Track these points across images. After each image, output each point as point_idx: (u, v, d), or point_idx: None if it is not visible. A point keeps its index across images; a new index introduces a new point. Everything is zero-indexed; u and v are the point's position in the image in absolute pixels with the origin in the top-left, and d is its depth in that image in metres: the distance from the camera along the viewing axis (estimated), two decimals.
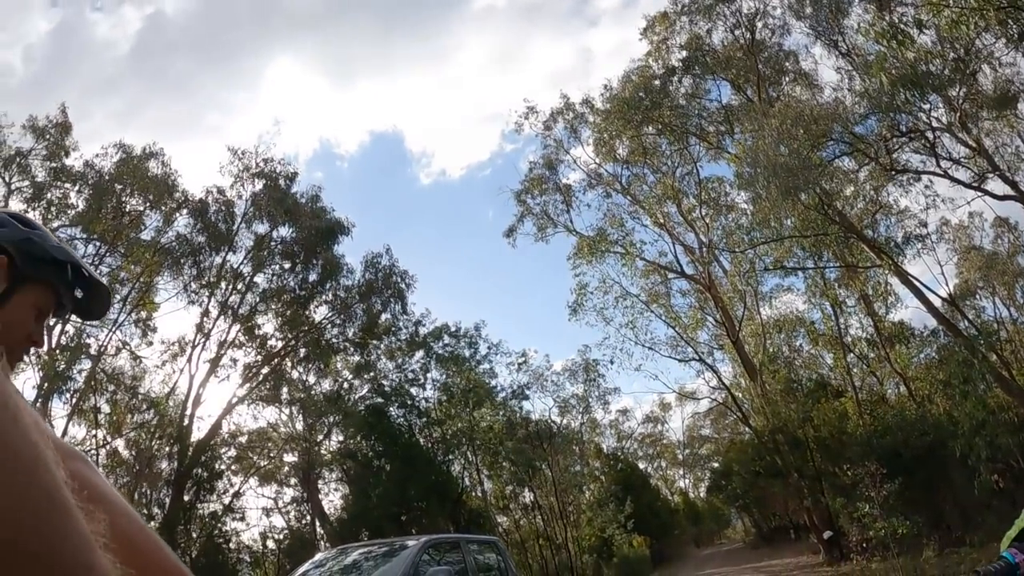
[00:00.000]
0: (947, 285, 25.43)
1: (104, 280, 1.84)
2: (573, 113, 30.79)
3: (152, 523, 22.05)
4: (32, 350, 1.65)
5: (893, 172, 20.13)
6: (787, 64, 24.65)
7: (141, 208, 23.69)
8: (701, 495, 59.39)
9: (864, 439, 20.73)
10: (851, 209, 22.01)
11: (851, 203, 21.99)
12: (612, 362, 32.00)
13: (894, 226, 22.98)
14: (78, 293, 1.74)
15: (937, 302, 21.52)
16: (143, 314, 23.76)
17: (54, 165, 22.91)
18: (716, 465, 48.28)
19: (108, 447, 22.30)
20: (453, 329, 30.46)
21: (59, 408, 22.06)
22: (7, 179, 21.88)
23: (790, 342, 28.91)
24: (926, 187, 21.63)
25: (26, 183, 22.24)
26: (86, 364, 21.78)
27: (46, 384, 19.82)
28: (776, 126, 19.48)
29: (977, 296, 29.06)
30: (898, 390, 25.95)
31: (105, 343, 22.58)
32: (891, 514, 16.55)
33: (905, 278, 21.31)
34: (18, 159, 22.32)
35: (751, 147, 20.96)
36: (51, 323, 1.72)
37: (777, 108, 20.67)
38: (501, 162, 68.26)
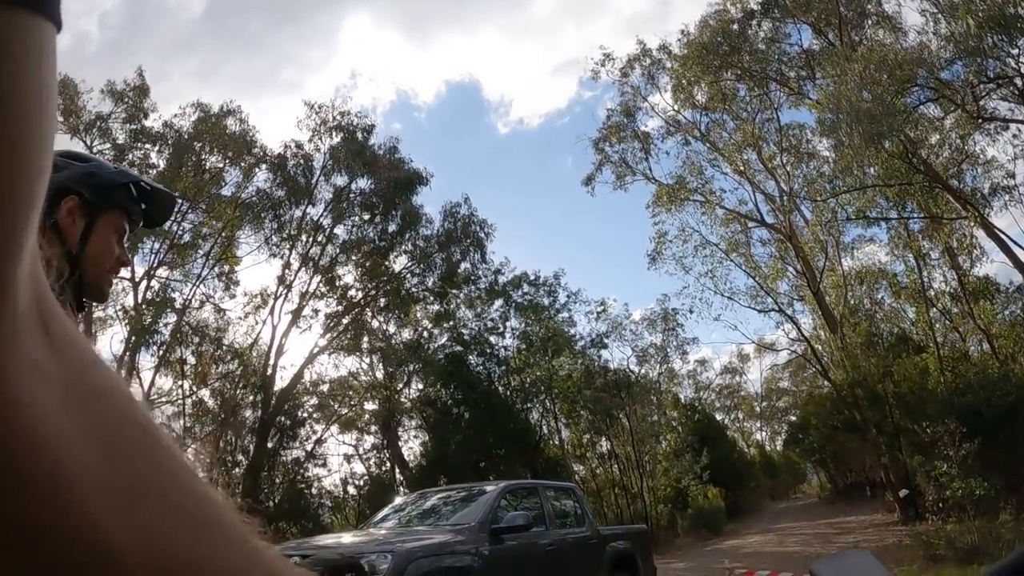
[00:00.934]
0: None
1: (164, 187, 1.97)
2: (650, 59, 30.35)
3: (237, 470, 22.99)
4: (119, 277, 1.79)
5: (980, 120, 19.39)
6: (869, 6, 23.70)
7: (220, 165, 24.27)
8: (778, 448, 59.06)
9: (945, 396, 20.27)
10: (936, 158, 21.28)
11: (936, 152, 21.25)
12: (691, 311, 31.85)
13: (980, 177, 22.20)
14: (142, 206, 1.88)
15: None
16: (226, 268, 24.42)
17: (134, 127, 23.60)
18: (793, 418, 47.95)
19: (194, 397, 23.13)
20: (532, 278, 30.49)
21: (146, 360, 22.95)
22: (88, 143, 22.57)
23: (871, 295, 28.29)
24: (1014, 136, 20.78)
25: (107, 146, 22.94)
26: (171, 318, 22.55)
27: (133, 338, 20.57)
28: (859, 71, 18.91)
29: None
30: (981, 347, 25.11)
31: (189, 297, 23.34)
32: (969, 475, 16.24)
33: (991, 231, 20.61)
34: (98, 123, 23.03)
35: (833, 93, 20.37)
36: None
37: (860, 52, 20.02)
38: (579, 109, 67.73)
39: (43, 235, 1.50)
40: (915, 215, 23.66)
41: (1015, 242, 20.85)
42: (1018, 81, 18.31)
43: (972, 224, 21.18)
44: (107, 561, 0.33)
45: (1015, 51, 17.75)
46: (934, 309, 26.06)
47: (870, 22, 23.66)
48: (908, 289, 26.74)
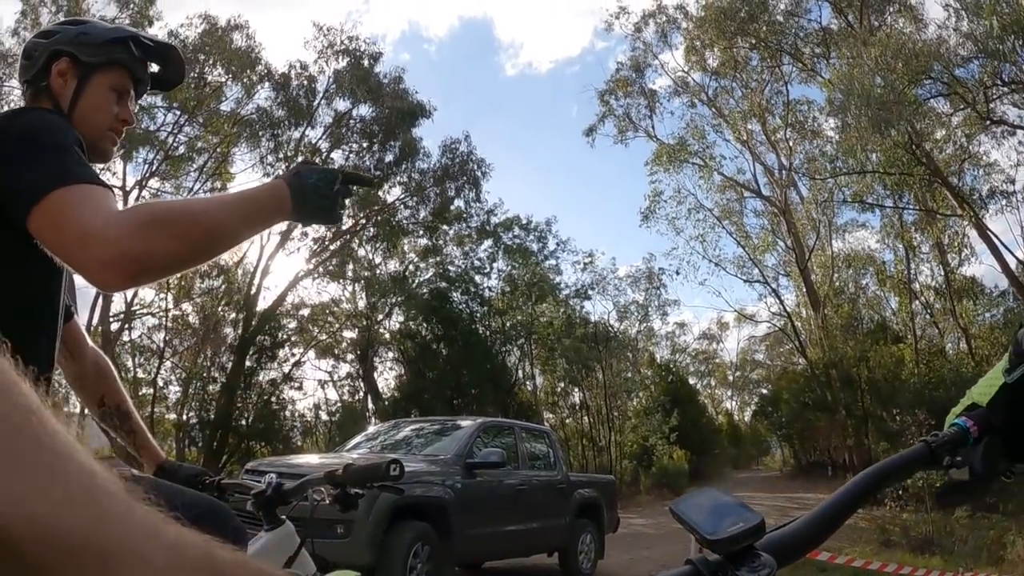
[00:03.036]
0: None
1: (171, 42, 1.98)
2: (666, 17, 30.13)
3: (213, 386, 23.08)
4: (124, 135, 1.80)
5: (988, 122, 19.37)
6: None
7: (223, 80, 23.87)
8: (746, 419, 59.67)
9: (917, 388, 20.59)
10: (939, 153, 21.31)
11: (940, 147, 21.26)
12: (678, 273, 32.35)
13: (980, 178, 22.32)
14: (154, 68, 1.88)
15: (1013, 263, 20.89)
16: (218, 184, 24.19)
17: None
18: (765, 391, 48.43)
19: (176, 311, 23.08)
20: (524, 221, 30.42)
21: None
22: None
23: (857, 279, 28.49)
24: (1020, 143, 20.87)
25: None
26: None
27: None
28: (875, 55, 18.83)
29: None
30: (958, 346, 25.42)
31: None
32: None
33: (984, 233, 20.74)
34: None
35: (846, 74, 20.27)
36: (135, 101, 1.84)
37: (878, 37, 19.92)
38: (591, 59, 66.99)
39: (38, 100, 1.54)
40: (911, 207, 23.78)
41: (1006, 247, 21.02)
42: None
43: (966, 223, 21.30)
44: None
45: None
46: (917, 302, 26.29)
47: (892, 8, 23.49)
48: (894, 279, 26.93)
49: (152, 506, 0.41)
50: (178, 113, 22.21)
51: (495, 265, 29.98)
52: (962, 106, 19.63)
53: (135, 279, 1.40)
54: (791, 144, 28.00)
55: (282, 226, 24.82)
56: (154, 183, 22.57)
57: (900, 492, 16.73)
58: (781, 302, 29.76)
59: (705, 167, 30.31)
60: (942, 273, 25.29)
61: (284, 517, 2.00)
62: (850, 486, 0.94)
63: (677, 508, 0.88)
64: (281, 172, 1.98)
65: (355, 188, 1.74)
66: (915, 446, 0.99)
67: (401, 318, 28.48)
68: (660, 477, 30.57)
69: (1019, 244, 31.21)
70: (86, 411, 2.36)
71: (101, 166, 1.87)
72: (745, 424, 59.44)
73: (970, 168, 22.12)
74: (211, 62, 23.32)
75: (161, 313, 22.49)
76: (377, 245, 27.58)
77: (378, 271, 27.95)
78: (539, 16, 77.50)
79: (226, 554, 0.51)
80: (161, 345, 22.57)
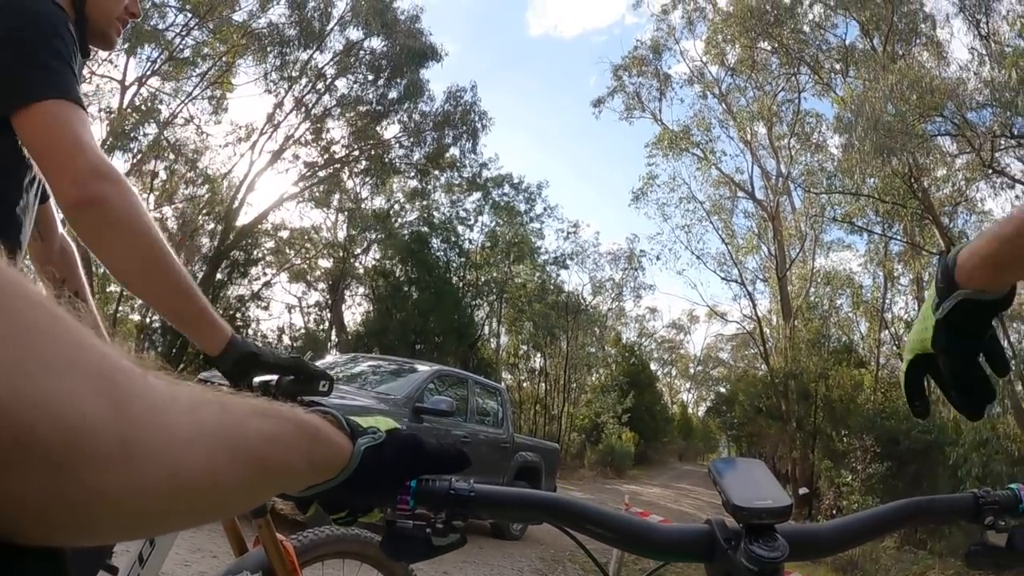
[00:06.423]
0: None
1: None
2: (694, 5, 29.90)
3: None
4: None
5: (990, 170, 19.37)
6: (923, 26, 23.38)
7: None
8: (699, 414, 60.39)
9: (870, 415, 20.78)
10: (936, 191, 21.32)
11: (939, 185, 21.30)
12: (658, 258, 32.70)
13: (972, 223, 22.42)
14: None
15: None
16: (218, 92, 23.84)
17: None
18: (723, 390, 49.01)
19: (158, 212, 22.84)
20: (516, 181, 30.52)
21: (119, 165, 22.31)
22: None
23: (833, 297, 28.59)
24: (1017, 197, 20.94)
25: None
26: (153, 129, 22.06)
27: (111, 139, 20.16)
28: (892, 82, 18.74)
29: None
30: None
31: (176, 111, 22.81)
32: (869, 492, 16.86)
33: None
34: None
35: (860, 94, 20.22)
36: None
37: (899, 65, 19.81)
38: (619, 32, 66.56)
39: None
40: (898, 237, 23.85)
41: None
42: None
43: None
44: None
45: None
46: (887, 331, 26.51)
47: (918, 40, 23.41)
48: (868, 304, 27.10)
49: (161, 370, 0.43)
50: (189, 15, 21.81)
51: (480, 219, 30.07)
52: (968, 149, 19.62)
53: (81, 228, 1.44)
54: (793, 153, 27.97)
55: (274, 144, 24.65)
56: (154, 82, 22.22)
57: (835, 511, 17.09)
58: (754, 306, 29.88)
59: (704, 160, 30.30)
60: (915, 308, 25.51)
61: None
62: (884, 510, 0.93)
63: (715, 467, 0.89)
64: None
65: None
66: (962, 494, 0.96)
67: (378, 255, 28.47)
68: (606, 455, 30.90)
69: None
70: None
71: (104, 54, 1.88)
72: (698, 418, 60.18)
73: (964, 211, 22.21)
74: None
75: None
76: (366, 179, 27.47)
77: (363, 205, 27.88)
78: None
79: (238, 401, 0.53)
80: None
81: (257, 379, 1.71)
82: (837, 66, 25.84)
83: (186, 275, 1.56)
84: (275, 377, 1.75)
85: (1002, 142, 18.68)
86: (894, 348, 26.77)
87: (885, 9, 23.07)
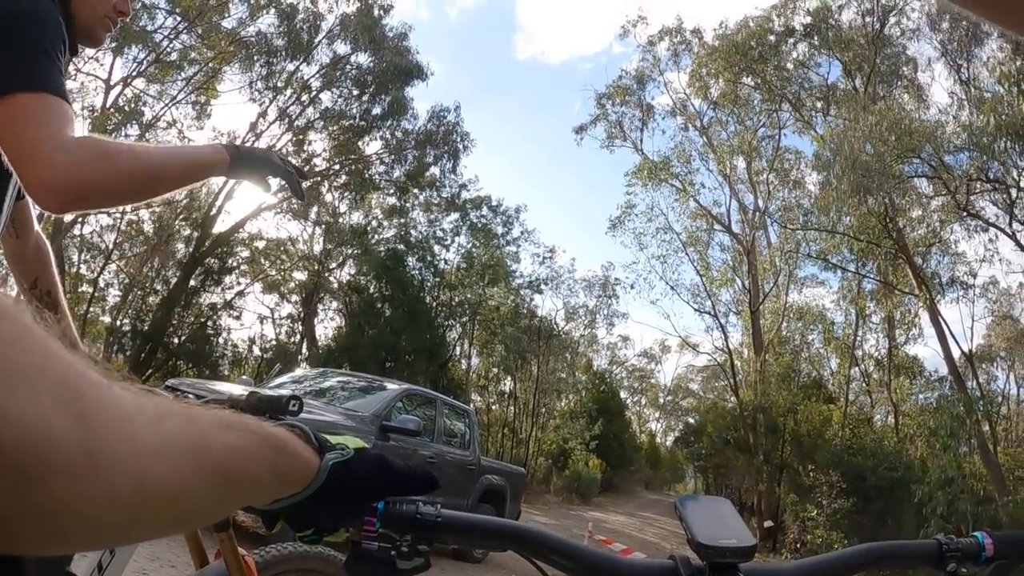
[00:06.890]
0: (971, 341, 25.19)
1: None
2: (680, 38, 30.27)
3: (154, 297, 22.78)
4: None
5: (965, 213, 19.66)
6: (904, 69, 23.85)
7: None
8: (667, 444, 60.37)
9: (837, 450, 20.92)
10: (911, 231, 21.60)
11: (913, 225, 21.57)
12: (633, 287, 32.52)
13: (945, 264, 22.78)
14: None
15: (956, 353, 21.17)
16: (203, 98, 23.75)
17: None
18: (691, 420, 49.08)
19: (134, 215, 22.63)
20: (495, 203, 30.61)
21: None
22: None
23: (804, 333, 28.82)
24: (990, 240, 21.28)
25: None
26: (135, 131, 21.92)
27: None
28: (872, 123, 19.00)
29: (995, 364, 28.98)
30: (886, 419, 25.91)
31: (159, 114, 22.69)
32: (834, 528, 16.95)
33: (936, 317, 21.05)
34: None
35: (840, 133, 20.48)
36: None
37: (879, 106, 20.11)
38: (606, 60, 67.14)
39: None
40: (871, 276, 24.11)
41: (954, 336, 21.34)
42: (1013, 191, 18.55)
43: (921, 304, 21.59)
44: None
45: (1022, 163, 17.97)
46: (857, 368, 26.74)
47: (900, 83, 23.80)
48: (840, 341, 27.34)
49: (128, 380, 0.43)
50: (178, 19, 21.74)
51: (457, 239, 30.06)
52: (943, 192, 19.89)
53: (67, 207, 1.42)
54: (771, 188, 28.25)
55: None
56: (139, 83, 22.11)
57: (798, 545, 17.15)
58: (726, 338, 30.02)
59: (683, 191, 30.56)
60: (886, 346, 25.79)
61: None
62: (847, 553, 0.93)
63: (682, 505, 0.88)
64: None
65: (290, 176, 1.83)
66: (927, 540, 0.97)
67: (353, 271, 28.33)
68: (572, 481, 30.82)
69: (966, 337, 31.99)
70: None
71: (91, 52, 1.87)
72: (666, 448, 60.14)
73: (937, 252, 22.48)
74: None
75: (117, 214, 22.09)
76: (345, 193, 27.41)
77: (341, 220, 27.79)
78: (565, 7, 77.24)
79: (204, 413, 0.53)
80: (110, 246, 22.18)
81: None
82: (819, 104, 26.21)
83: (172, 157, 1.60)
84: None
85: (978, 186, 18.94)
86: (863, 385, 27.01)
87: (868, 51, 23.45)
